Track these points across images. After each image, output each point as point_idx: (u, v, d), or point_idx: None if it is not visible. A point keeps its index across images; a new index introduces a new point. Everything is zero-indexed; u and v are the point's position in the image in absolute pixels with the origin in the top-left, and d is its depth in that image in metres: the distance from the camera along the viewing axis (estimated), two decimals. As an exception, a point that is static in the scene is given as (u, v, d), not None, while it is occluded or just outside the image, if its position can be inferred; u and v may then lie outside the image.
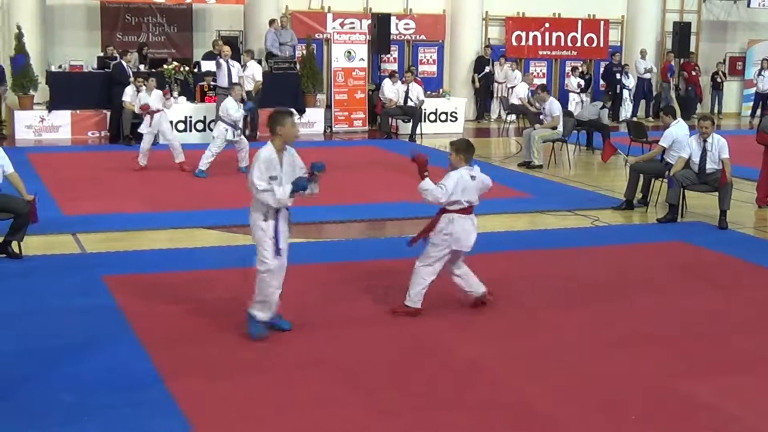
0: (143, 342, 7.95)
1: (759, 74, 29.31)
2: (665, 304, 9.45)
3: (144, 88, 17.67)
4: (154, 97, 17.38)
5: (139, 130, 17.44)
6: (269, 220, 8.19)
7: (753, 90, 29.70)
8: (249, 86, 20.90)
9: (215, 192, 15.11)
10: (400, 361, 7.66)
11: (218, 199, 14.48)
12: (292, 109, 9.49)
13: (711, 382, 7.38)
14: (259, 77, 21.46)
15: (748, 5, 30.35)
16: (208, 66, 21.78)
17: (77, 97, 21.52)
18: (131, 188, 15.40)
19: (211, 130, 20.15)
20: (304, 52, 24.30)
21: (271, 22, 24.36)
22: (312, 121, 23.52)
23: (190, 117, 21.43)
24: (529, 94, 24.02)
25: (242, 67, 20.94)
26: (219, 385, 7.03)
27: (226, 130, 16.51)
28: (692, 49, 30.03)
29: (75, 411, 6.51)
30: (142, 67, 22.36)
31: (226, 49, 20.23)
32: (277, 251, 8.19)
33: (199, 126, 21.28)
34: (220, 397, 6.80)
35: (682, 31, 29.20)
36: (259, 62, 22.66)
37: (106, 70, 21.95)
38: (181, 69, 21.76)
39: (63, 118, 21.47)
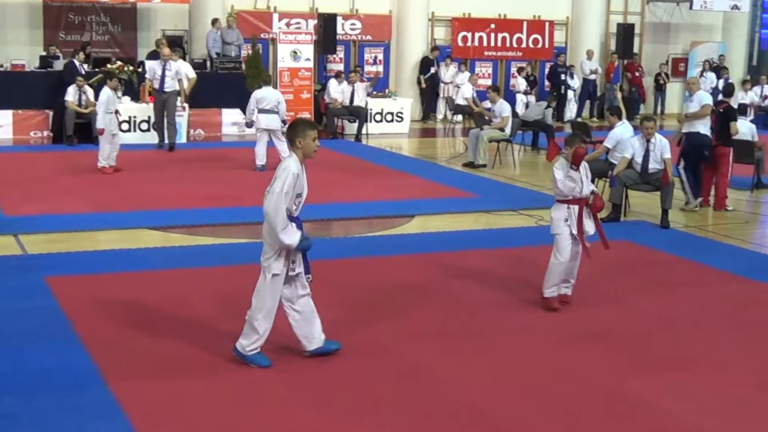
0: (86, 343, 7.87)
1: (701, 75, 29.62)
2: (609, 303, 9.52)
3: (87, 88, 17.48)
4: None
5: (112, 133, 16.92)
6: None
7: (695, 91, 29.98)
8: (174, 85, 20.63)
9: (158, 193, 15.02)
10: (343, 361, 7.64)
11: (161, 199, 14.40)
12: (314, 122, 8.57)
13: (651, 380, 7.45)
14: (192, 74, 21.24)
15: (691, 7, 30.67)
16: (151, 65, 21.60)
17: (19, 97, 21.26)
18: (74, 189, 15.24)
19: (155, 129, 20.07)
20: (250, 51, 24.21)
21: (214, 21, 24.21)
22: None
23: (135, 117, 21.25)
24: (475, 95, 24.13)
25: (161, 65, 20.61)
26: (162, 387, 6.98)
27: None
28: (636, 50, 30.32)
29: (15, 413, 6.42)
30: (85, 67, 22.14)
31: (166, 52, 20.01)
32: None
33: (144, 126, 21.10)
34: (163, 399, 6.75)
35: (625, 32, 29.46)
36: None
37: (49, 69, 21.73)
38: (126, 68, 21.56)
39: (4, 117, 21.18)
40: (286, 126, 7.57)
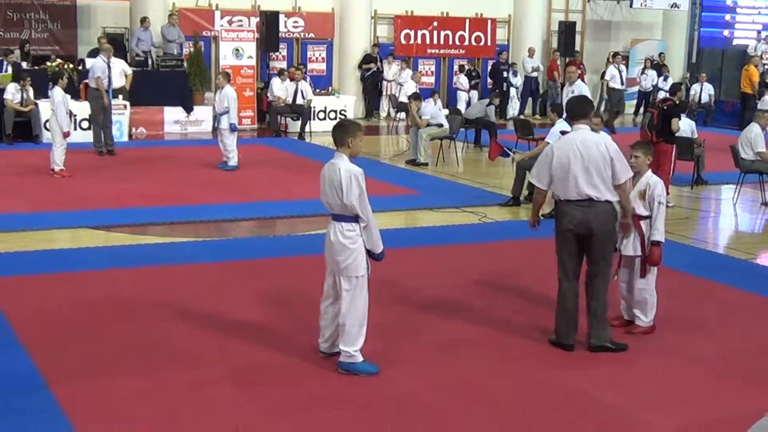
0: (26, 345, 7.77)
1: (642, 73, 29.92)
2: (550, 298, 9.57)
3: (29, 86, 17.20)
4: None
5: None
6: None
7: (636, 89, 30.29)
8: (121, 82, 20.57)
9: (100, 192, 14.87)
10: (286, 361, 7.63)
11: (103, 199, 14.27)
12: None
13: (592, 373, 7.53)
14: (129, 70, 21.09)
15: (631, 5, 30.95)
16: (91, 63, 21.37)
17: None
18: (13, 188, 15.04)
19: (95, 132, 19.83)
20: (192, 49, 24.05)
21: (143, 20, 23.97)
22: (200, 119, 23.30)
23: (75, 115, 21.01)
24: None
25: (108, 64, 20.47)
26: (105, 388, 6.91)
27: None
28: (577, 48, 30.53)
29: (-45, 417, 6.35)
30: (24, 65, 21.88)
31: (109, 48, 19.80)
32: None
33: (84, 124, 20.87)
34: (106, 401, 6.69)
35: (567, 30, 29.65)
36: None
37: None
38: (65, 66, 21.32)
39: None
40: (332, 127, 7.59)
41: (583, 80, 29.75)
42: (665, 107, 14.82)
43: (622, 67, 28.08)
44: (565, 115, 11.96)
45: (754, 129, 15.60)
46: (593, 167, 7.77)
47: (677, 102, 15.28)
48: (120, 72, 20.37)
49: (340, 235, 7.23)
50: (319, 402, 6.81)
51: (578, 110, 8.23)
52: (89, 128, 20.17)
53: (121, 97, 20.56)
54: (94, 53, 22.04)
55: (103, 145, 18.93)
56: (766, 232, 14.35)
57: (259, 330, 8.36)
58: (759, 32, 32.10)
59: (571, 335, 8.05)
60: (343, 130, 7.37)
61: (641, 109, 29.33)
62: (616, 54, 28.64)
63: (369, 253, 7.32)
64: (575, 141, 7.89)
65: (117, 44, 22.75)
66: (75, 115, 18.59)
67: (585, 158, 7.77)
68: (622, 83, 27.54)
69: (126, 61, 21.80)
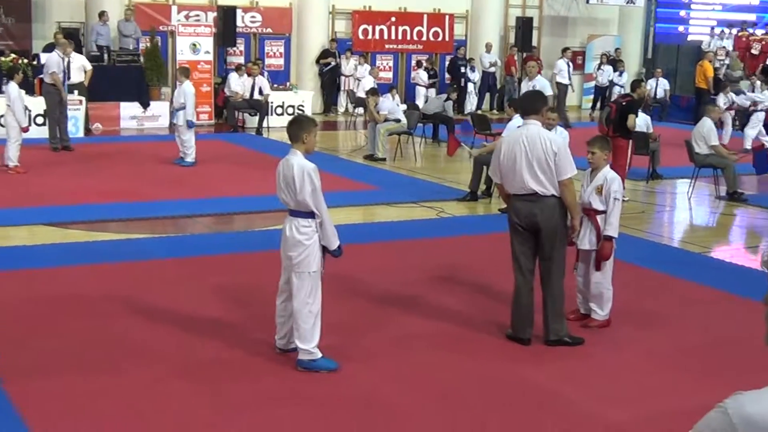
0: (-20, 343, 7.72)
1: (598, 68, 30.11)
2: (507, 292, 9.61)
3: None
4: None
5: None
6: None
7: (593, 83, 30.49)
8: (80, 78, 20.52)
9: (56, 188, 14.75)
10: (244, 357, 7.62)
11: (59, 195, 14.15)
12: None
13: (548, 367, 7.58)
14: (89, 66, 21.03)
15: (587, 1, 31.15)
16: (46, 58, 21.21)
17: None
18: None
19: (51, 128, 19.65)
20: (148, 44, 23.91)
21: (101, 15, 23.81)
22: (156, 114, 23.18)
23: (30, 111, 20.82)
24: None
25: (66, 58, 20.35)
26: (60, 386, 6.87)
27: None
28: (534, 43, 30.66)
29: None
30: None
31: (65, 43, 19.62)
32: None
33: (39, 120, 20.70)
34: (60, 399, 6.65)
35: (524, 25, 29.79)
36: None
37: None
38: (20, 61, 21.13)
39: None
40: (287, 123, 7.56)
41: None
42: (623, 103, 14.93)
43: (570, 62, 28.22)
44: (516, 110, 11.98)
45: (706, 123, 15.74)
46: (536, 162, 7.79)
47: (636, 98, 15.38)
48: (79, 67, 20.48)
49: (296, 231, 7.22)
50: (276, 398, 6.81)
51: (529, 106, 8.24)
52: (44, 124, 20.01)
53: (77, 92, 20.41)
54: (49, 48, 21.87)
55: (58, 141, 18.79)
56: (720, 225, 14.50)
57: (217, 326, 8.34)
58: (713, 28, 32.43)
59: (527, 330, 8.10)
60: (297, 126, 7.36)
61: (598, 104, 29.55)
62: (566, 49, 28.80)
63: (326, 249, 7.30)
64: (522, 136, 7.93)
65: (73, 39, 22.54)
66: (29, 111, 18.40)
67: (530, 153, 7.80)
68: (569, 78, 27.69)
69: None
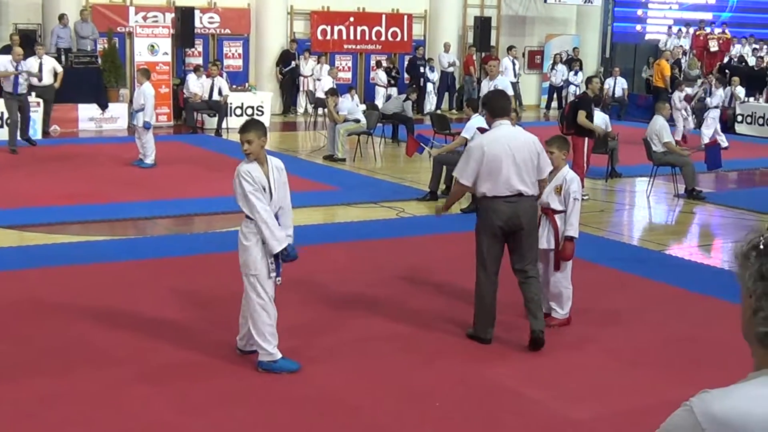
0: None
1: (552, 68, 30.34)
2: (467, 291, 9.65)
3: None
4: None
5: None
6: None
7: (548, 83, 30.74)
8: (50, 80, 20.53)
9: (13, 190, 14.63)
10: (204, 359, 7.58)
11: (16, 197, 14.03)
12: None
13: (510, 366, 7.61)
14: (60, 68, 21.02)
15: (545, 1, 31.32)
16: (3, 61, 21.03)
17: None
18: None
19: (8, 125, 19.48)
20: (106, 46, 23.77)
21: (61, 17, 23.65)
22: (115, 116, 23.04)
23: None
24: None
25: (38, 60, 20.31)
26: (16, 391, 6.81)
27: None
28: (493, 43, 30.77)
29: None
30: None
31: (18, 51, 19.42)
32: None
33: (-4, 122, 20.54)
34: (16, 404, 6.59)
35: (483, 25, 29.87)
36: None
37: None
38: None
39: None
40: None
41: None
42: (576, 100, 15.02)
43: (516, 61, 28.37)
44: (481, 110, 11.96)
45: (658, 121, 15.83)
46: (523, 162, 7.82)
47: (590, 94, 15.45)
48: (50, 69, 20.69)
49: (240, 233, 7.24)
50: (236, 399, 6.79)
51: (498, 106, 8.19)
52: (1, 126, 19.89)
53: (33, 94, 20.25)
54: (5, 50, 21.70)
55: (16, 145, 18.68)
56: (679, 223, 14.62)
57: (176, 328, 8.30)
58: (670, 27, 32.68)
59: (489, 330, 8.11)
60: (243, 131, 7.27)
61: (554, 104, 29.81)
62: (511, 47, 28.98)
63: (279, 253, 7.22)
64: (505, 137, 7.92)
65: (29, 40, 22.40)
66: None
67: (516, 154, 7.80)
68: (514, 75, 27.84)
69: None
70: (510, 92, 16.42)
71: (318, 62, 27.28)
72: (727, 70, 27.85)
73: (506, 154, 7.79)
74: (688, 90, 23.91)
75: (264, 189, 7.14)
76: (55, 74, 20.92)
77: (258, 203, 7.08)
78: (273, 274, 7.25)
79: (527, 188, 7.86)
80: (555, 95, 30.35)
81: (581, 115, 14.64)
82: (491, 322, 8.13)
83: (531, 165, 7.85)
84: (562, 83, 29.80)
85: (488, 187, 7.87)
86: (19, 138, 18.81)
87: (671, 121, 18.80)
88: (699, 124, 23.14)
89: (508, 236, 7.94)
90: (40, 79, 20.28)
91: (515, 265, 8.07)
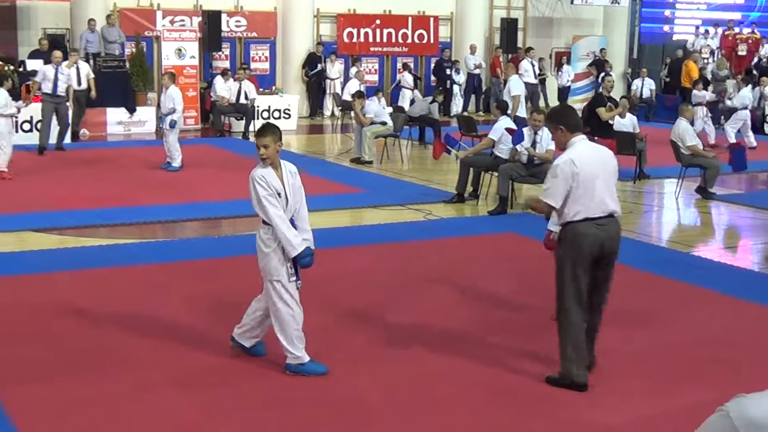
0: (-31, 350, 7.69)
1: (558, 70, 30.35)
2: (496, 294, 9.64)
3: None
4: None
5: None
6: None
7: (579, 84, 30.66)
8: (83, 85, 20.81)
9: (46, 194, 14.70)
10: (232, 362, 7.59)
11: (49, 201, 14.10)
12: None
13: (538, 370, 7.56)
14: (91, 74, 21.35)
15: (572, 2, 31.24)
16: (33, 65, 21.22)
17: None
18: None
19: (38, 130, 19.60)
20: (134, 50, 23.87)
21: (90, 22, 23.80)
22: (143, 120, 23.17)
23: (16, 117, 20.76)
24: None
25: (73, 66, 20.49)
26: (51, 392, 6.85)
27: None
28: (520, 44, 30.70)
29: None
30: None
31: (57, 54, 19.60)
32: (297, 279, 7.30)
33: (26, 126, 20.65)
34: (51, 406, 6.62)
35: (509, 27, 29.85)
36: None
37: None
38: (6, 68, 21.08)
39: None
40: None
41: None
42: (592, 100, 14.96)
43: (535, 62, 28.33)
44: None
45: (681, 124, 15.70)
46: (611, 180, 7.26)
47: (605, 93, 15.39)
48: (86, 75, 21.14)
49: (258, 239, 7.22)
50: (265, 403, 6.80)
51: (575, 122, 7.34)
52: (30, 130, 20.04)
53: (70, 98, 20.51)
54: (35, 54, 21.92)
55: (47, 147, 18.88)
56: (708, 225, 14.54)
57: (205, 331, 8.32)
58: (697, 27, 32.51)
59: (585, 372, 7.26)
60: (259, 135, 7.25)
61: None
62: (529, 49, 28.92)
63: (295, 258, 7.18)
64: (590, 153, 7.21)
65: (58, 45, 22.58)
66: (16, 118, 18.35)
67: (604, 171, 7.19)
68: (534, 77, 27.78)
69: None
70: (519, 92, 16.40)
71: (352, 64, 27.22)
72: (755, 71, 27.67)
73: (598, 171, 7.09)
74: (707, 94, 23.64)
75: (279, 194, 7.12)
76: (88, 80, 21.11)
77: (271, 208, 7.05)
78: (293, 278, 7.22)
79: (618, 207, 7.25)
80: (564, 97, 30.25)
81: (602, 112, 14.57)
82: (586, 363, 7.31)
83: (613, 182, 7.26)
84: (568, 83, 29.88)
85: (578, 209, 7.07)
86: (51, 141, 19.04)
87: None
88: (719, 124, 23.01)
89: (596, 262, 7.22)
90: (79, 83, 20.54)
91: (593, 295, 7.32)
